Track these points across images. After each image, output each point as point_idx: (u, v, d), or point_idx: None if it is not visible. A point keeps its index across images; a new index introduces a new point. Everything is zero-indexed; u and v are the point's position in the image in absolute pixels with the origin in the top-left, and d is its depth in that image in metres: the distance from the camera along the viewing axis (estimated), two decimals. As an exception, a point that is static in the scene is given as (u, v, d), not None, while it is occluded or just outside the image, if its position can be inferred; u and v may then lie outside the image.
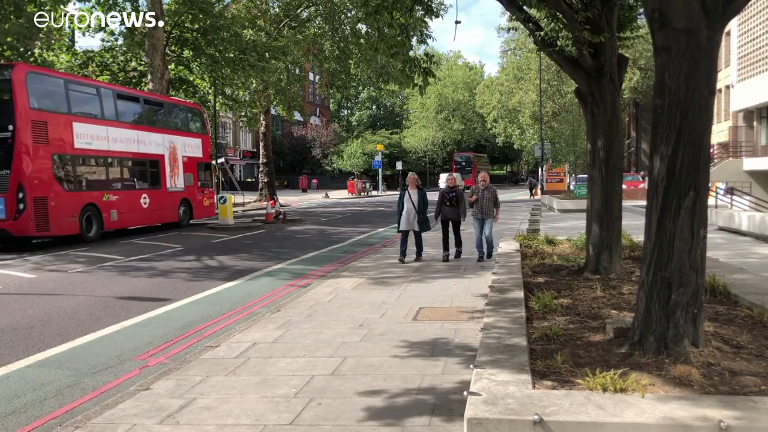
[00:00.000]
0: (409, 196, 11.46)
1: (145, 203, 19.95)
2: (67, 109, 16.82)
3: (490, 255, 11.26)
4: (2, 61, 17.99)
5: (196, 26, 27.76)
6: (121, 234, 19.22)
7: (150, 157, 20.47)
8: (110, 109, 18.74)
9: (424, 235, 11.94)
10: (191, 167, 22.75)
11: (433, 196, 12.88)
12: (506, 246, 11.00)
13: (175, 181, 21.69)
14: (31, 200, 15.17)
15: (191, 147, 22.88)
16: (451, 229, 11.75)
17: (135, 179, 19.96)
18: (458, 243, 11.85)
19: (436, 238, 15.99)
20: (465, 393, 3.50)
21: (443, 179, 64.52)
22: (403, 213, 11.41)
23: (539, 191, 43.99)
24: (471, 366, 4.07)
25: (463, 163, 63.92)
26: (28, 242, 16.50)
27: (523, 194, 46.21)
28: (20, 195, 15.05)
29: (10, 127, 15.04)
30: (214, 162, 29.52)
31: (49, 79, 16.85)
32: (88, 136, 17.36)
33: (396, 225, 11.95)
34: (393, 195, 49.48)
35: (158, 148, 20.82)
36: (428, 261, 11.65)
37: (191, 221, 22.67)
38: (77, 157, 17.09)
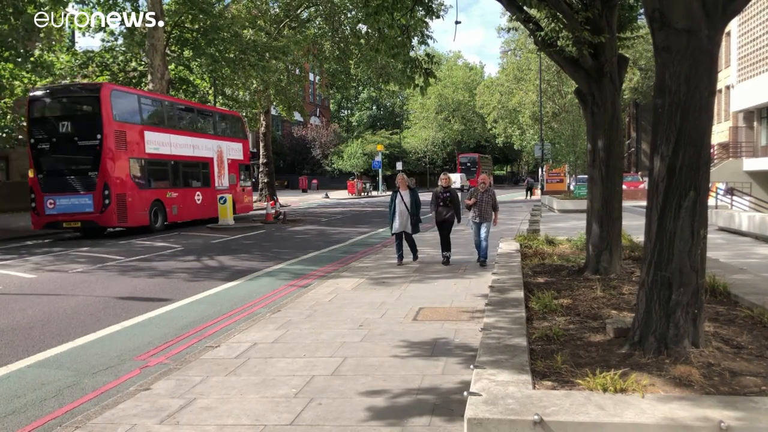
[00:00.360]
0: (401, 197, 11.14)
1: (198, 200, 22.89)
2: (140, 120, 20.01)
3: (485, 258, 10.92)
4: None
5: (196, 26, 27.78)
6: (179, 226, 21.83)
7: (202, 160, 23.34)
8: (172, 119, 22.24)
9: (425, 234, 11.96)
10: (234, 168, 25.60)
11: (427, 197, 12.81)
12: (506, 246, 11.01)
13: (222, 180, 24.51)
14: (115, 197, 18.29)
15: (234, 150, 25.76)
16: (446, 230, 11.37)
17: (190, 179, 22.82)
18: (447, 247, 11.31)
19: (435, 238, 15.98)
20: (465, 393, 3.50)
21: (455, 179, 64.66)
22: (396, 215, 11.10)
23: (538, 191, 43.99)
24: (471, 366, 4.07)
25: (468, 164, 65.50)
26: (104, 231, 19.68)
27: (523, 194, 46.17)
28: (106, 192, 18.13)
29: (98, 136, 18.12)
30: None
31: (126, 95, 20.02)
32: (156, 143, 20.44)
33: (389, 228, 11.62)
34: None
35: (208, 152, 23.74)
36: (427, 262, 11.65)
37: (233, 216, 24.12)
38: (148, 160, 20.07)
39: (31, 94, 19.29)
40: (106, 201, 18.16)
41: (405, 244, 11.41)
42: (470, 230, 11.64)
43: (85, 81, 26.34)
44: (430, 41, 39.22)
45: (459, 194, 11.41)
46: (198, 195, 22.88)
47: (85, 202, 18.21)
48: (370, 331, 6.57)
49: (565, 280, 7.50)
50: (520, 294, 6.38)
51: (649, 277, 4.43)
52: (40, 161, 18.59)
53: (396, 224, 11.17)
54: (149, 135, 20.17)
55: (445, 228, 11.19)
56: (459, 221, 11.35)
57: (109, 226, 18.95)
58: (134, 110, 19.88)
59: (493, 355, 4.21)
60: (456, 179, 63.42)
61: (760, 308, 5.32)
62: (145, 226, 19.64)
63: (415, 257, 11.56)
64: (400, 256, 11.32)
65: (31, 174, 18.67)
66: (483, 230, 10.91)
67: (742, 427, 3.02)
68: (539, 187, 44.53)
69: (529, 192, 44.53)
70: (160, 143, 20.74)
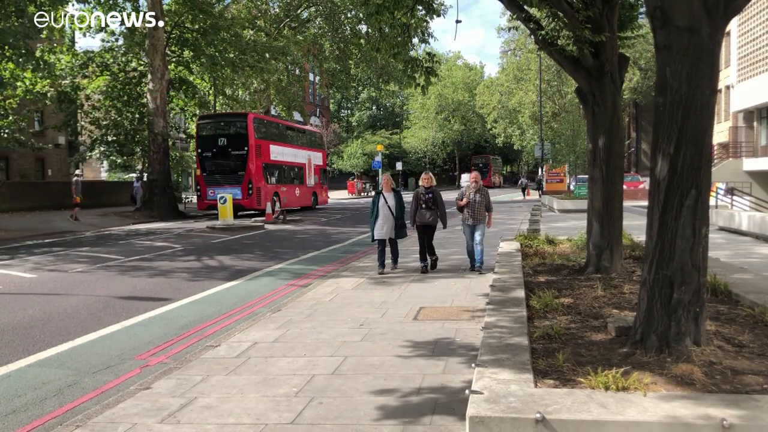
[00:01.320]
0: (385, 200, 10.23)
1: (297, 193, 31.31)
2: (267, 137, 28.24)
3: (481, 263, 10.10)
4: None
5: (196, 26, 27.78)
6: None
7: (299, 165, 31.71)
8: (283, 135, 30.75)
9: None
10: (317, 171, 34.24)
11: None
12: (507, 246, 10.99)
13: (310, 180, 33.12)
14: (255, 189, 26.45)
15: (317, 158, 34.49)
16: (427, 236, 10.29)
17: (293, 178, 31.01)
18: (431, 252, 10.40)
19: (436, 237, 16.08)
20: (467, 392, 3.50)
21: (464, 180, 65.27)
22: (379, 220, 10.18)
23: (533, 192, 43.95)
24: (473, 365, 4.06)
25: (481, 165, 68.59)
26: (241, 210, 26.54)
27: (531, 195, 46.17)
28: (249, 186, 26.39)
29: (246, 148, 26.46)
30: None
31: (261, 120, 28.89)
32: (275, 152, 28.59)
33: (370, 234, 10.56)
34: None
35: (303, 159, 32.20)
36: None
37: (316, 206, 33.84)
38: (271, 164, 28.03)
39: (199, 118, 28.19)
40: (250, 191, 26.33)
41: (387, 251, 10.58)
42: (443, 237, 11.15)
43: (85, 80, 28.95)
44: (431, 39, 39.31)
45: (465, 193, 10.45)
46: (297, 190, 31.35)
47: (235, 192, 25.48)
48: (370, 330, 6.56)
49: (566, 280, 7.49)
50: (521, 293, 6.37)
51: (651, 275, 4.43)
52: (204, 164, 26.88)
53: (379, 230, 10.24)
54: (272, 147, 28.37)
55: (427, 233, 10.20)
56: (445, 226, 10.40)
57: (251, 208, 26.62)
58: (264, 130, 28.27)
59: (494, 354, 4.20)
60: (466, 180, 64.21)
61: (761, 307, 5.31)
62: (261, 211, 26.63)
63: (396, 264, 10.69)
64: (382, 263, 10.36)
65: (198, 172, 27.51)
66: (477, 233, 10.05)
67: (745, 425, 3.02)
68: (534, 187, 44.60)
69: (523, 192, 44.59)
70: (278, 153, 28.87)
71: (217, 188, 25.62)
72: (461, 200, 10.11)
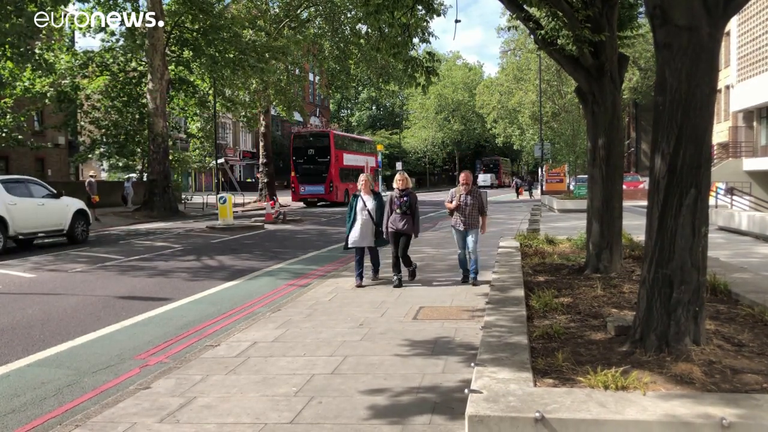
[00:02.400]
0: (364, 203, 9.16)
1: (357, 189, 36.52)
2: (342, 147, 37.62)
3: (476, 274, 9.08)
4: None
5: (196, 26, 27.77)
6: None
7: (361, 168, 37.77)
8: (351, 145, 40.52)
9: (424, 234, 11.33)
10: (372, 171, 41.09)
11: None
12: (507, 245, 10.98)
13: (369, 178, 38.18)
14: (335, 186, 35.36)
15: (371, 161, 43.38)
16: (401, 245, 9.12)
17: (355, 179, 32.32)
18: (408, 262, 9.25)
19: (436, 237, 16.03)
20: (466, 391, 3.50)
21: (481, 180, 65.69)
22: (356, 225, 9.14)
23: (525, 193, 43.84)
24: (472, 364, 4.06)
25: (491, 165, 72.56)
26: (322, 202, 35.96)
27: (523, 195, 46.19)
28: (330, 184, 35.04)
29: (328, 157, 35.41)
30: (219, 162, 40.64)
31: (338, 135, 38.90)
32: (346, 159, 37.55)
33: (345, 242, 9.38)
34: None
35: (362, 163, 40.03)
36: (427, 262, 11.60)
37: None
38: (344, 168, 36.71)
39: (294, 134, 38.80)
40: (330, 188, 35.13)
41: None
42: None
43: (84, 80, 29.09)
44: (431, 39, 39.50)
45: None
46: (347, 188, 38.63)
47: (319, 189, 35.25)
48: (370, 330, 6.56)
49: (565, 279, 7.50)
50: (520, 292, 6.37)
51: (650, 274, 4.43)
52: (297, 168, 36.02)
53: (354, 237, 9.13)
54: (345, 155, 37.53)
55: (401, 241, 9.07)
56: (416, 234, 9.31)
57: (330, 201, 35.23)
58: (340, 143, 37.71)
59: (494, 353, 4.20)
60: (486, 179, 65.78)
61: (760, 306, 5.31)
62: (341, 202, 34.92)
63: (377, 274, 9.63)
64: (360, 275, 9.21)
65: (293, 174, 36.47)
66: (470, 240, 8.93)
67: (744, 424, 3.02)
68: (527, 188, 44.53)
69: (516, 192, 44.63)
70: (348, 159, 37.89)
71: (307, 186, 35.81)
72: (450, 202, 9.06)
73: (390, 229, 9.05)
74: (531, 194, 44.74)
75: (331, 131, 38.95)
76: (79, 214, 17.05)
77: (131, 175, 35.97)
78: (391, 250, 9.33)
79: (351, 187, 36.38)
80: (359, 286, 9.06)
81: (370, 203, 9.17)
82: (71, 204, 16.85)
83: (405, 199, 9.01)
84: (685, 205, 4.29)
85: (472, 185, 9.03)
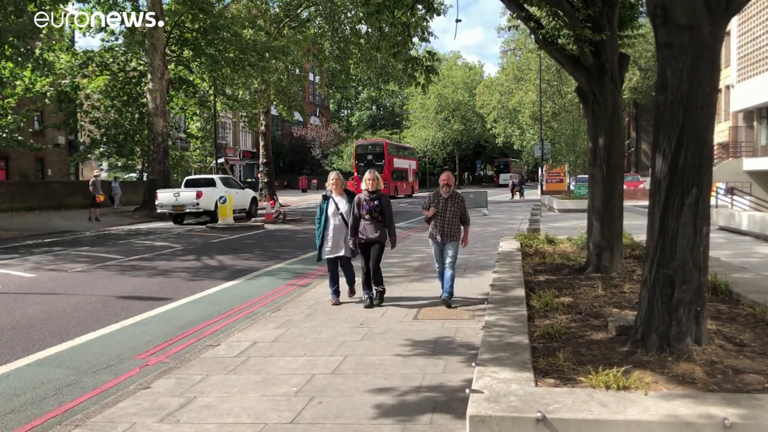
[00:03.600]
0: (336, 206, 7.81)
1: (404, 187, 48.83)
2: (392, 153, 47.28)
3: (450, 294, 7.62)
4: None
5: (196, 26, 27.76)
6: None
7: (405, 170, 49.56)
8: (400, 151, 50.61)
9: (423, 233, 10.96)
10: (413, 173, 53.12)
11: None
12: (507, 245, 10.97)
13: (410, 178, 51.44)
14: (388, 183, 41.26)
15: (413, 164, 53.68)
16: (373, 256, 7.69)
17: (401, 179, 48.49)
18: (379, 280, 7.81)
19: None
20: (467, 391, 3.48)
21: (504, 179, 68.17)
22: (329, 232, 7.79)
23: (519, 192, 43.36)
24: (473, 364, 4.05)
25: (501, 166, 75.71)
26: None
27: (524, 194, 46.10)
28: (384, 181, 33.43)
29: (383, 161, 43.89)
30: (219, 162, 40.78)
31: (390, 144, 48.50)
32: (397, 163, 46.70)
33: (317, 252, 7.99)
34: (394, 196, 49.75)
35: (406, 165, 50.39)
36: (427, 262, 11.55)
37: (412, 194, 50.14)
38: (395, 169, 45.04)
39: (357, 144, 49.53)
40: (384, 185, 36.02)
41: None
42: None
43: (84, 80, 29.30)
44: (431, 38, 39.63)
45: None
46: (404, 185, 49.19)
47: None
48: (370, 329, 6.55)
49: (566, 279, 7.48)
50: (521, 292, 6.36)
51: (652, 274, 4.41)
52: (359, 169, 42.61)
53: (329, 246, 7.80)
54: (395, 160, 47.18)
55: (373, 253, 7.66)
56: (393, 245, 7.98)
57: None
58: (390, 149, 46.97)
59: (494, 353, 4.19)
60: (506, 178, 67.09)
61: (761, 306, 5.30)
62: (392, 195, 38.85)
63: (353, 288, 8.23)
64: (336, 291, 7.96)
65: (355, 174, 41.76)
66: (448, 253, 7.60)
67: (746, 425, 3.01)
68: (518, 188, 44.15)
69: (512, 192, 44.10)
70: (396, 162, 47.40)
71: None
72: (427, 209, 7.69)
73: (360, 239, 7.64)
74: (521, 195, 44.04)
75: (385, 142, 48.74)
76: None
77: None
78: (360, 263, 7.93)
79: (399, 185, 47.79)
80: (336, 303, 7.84)
81: (343, 205, 7.81)
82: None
83: (376, 203, 7.57)
84: (686, 204, 4.28)
85: (454, 188, 7.72)
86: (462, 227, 7.68)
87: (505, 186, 58.83)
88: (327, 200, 7.90)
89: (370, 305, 7.65)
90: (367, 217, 7.56)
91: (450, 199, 7.57)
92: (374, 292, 7.79)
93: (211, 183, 23.14)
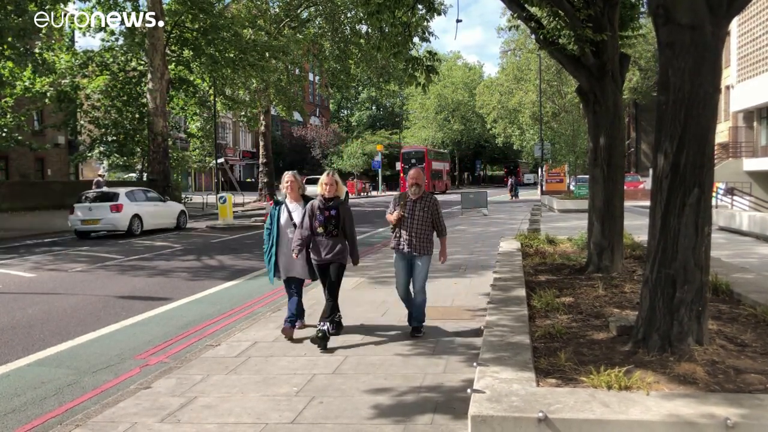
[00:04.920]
0: (289, 215, 6.30)
1: (440, 185, 58.53)
2: (431, 157, 58.27)
3: (420, 323, 6.27)
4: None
5: (196, 26, 27.74)
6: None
7: (441, 171, 61.77)
8: (436, 156, 61.70)
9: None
10: (447, 173, 64.45)
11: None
12: (507, 245, 10.96)
13: (444, 178, 62.24)
14: (427, 181, 45.25)
15: (446, 166, 65.27)
16: (330, 279, 6.07)
17: (438, 178, 59.03)
18: (334, 307, 6.07)
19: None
20: (469, 390, 3.48)
21: (526, 180, 77.48)
22: (282, 246, 6.26)
23: (513, 194, 42.78)
24: (474, 364, 4.04)
25: (512, 167, 77.84)
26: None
27: (524, 194, 46.09)
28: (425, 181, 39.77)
29: (423, 164, 51.92)
30: (219, 162, 38.72)
31: (429, 150, 60.41)
32: (434, 165, 58.96)
33: (269, 272, 6.46)
34: (393, 195, 49.89)
35: (441, 167, 61.89)
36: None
37: (445, 191, 57.63)
38: (432, 170, 56.82)
39: (402, 150, 58.28)
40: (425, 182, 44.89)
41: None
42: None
43: (84, 80, 29.17)
44: (432, 38, 39.49)
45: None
46: (440, 183, 58.65)
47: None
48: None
49: (566, 279, 7.48)
50: (522, 292, 6.35)
51: (653, 274, 4.41)
52: (405, 171, 46.10)
53: (284, 263, 6.28)
54: (433, 163, 57.10)
55: (330, 274, 6.02)
56: (355, 261, 6.33)
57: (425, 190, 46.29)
58: (431, 154, 57.76)
59: (496, 353, 4.19)
60: (530, 177, 68.23)
61: (762, 306, 5.30)
62: (431, 192, 53.16)
63: (333, 325, 6.07)
64: (292, 319, 6.28)
65: (402, 175, 49.10)
66: (417, 270, 6.13)
67: (748, 424, 3.00)
68: (516, 191, 43.72)
69: (510, 192, 43.66)
70: (434, 164, 57.26)
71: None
72: (391, 214, 6.27)
73: (313, 260, 6.06)
74: (515, 196, 43.69)
75: (425, 148, 59.36)
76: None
77: (100, 174, 34.96)
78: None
79: (436, 183, 56.83)
80: (291, 340, 6.14)
81: (298, 214, 6.20)
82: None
83: (332, 213, 5.90)
84: (688, 204, 4.27)
85: (424, 188, 6.32)
86: (438, 237, 6.28)
87: (533, 185, 63.51)
88: (279, 207, 6.42)
89: (323, 344, 5.76)
90: (320, 230, 5.90)
91: (419, 202, 6.15)
92: (327, 325, 5.86)
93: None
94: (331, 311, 6.02)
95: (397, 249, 6.26)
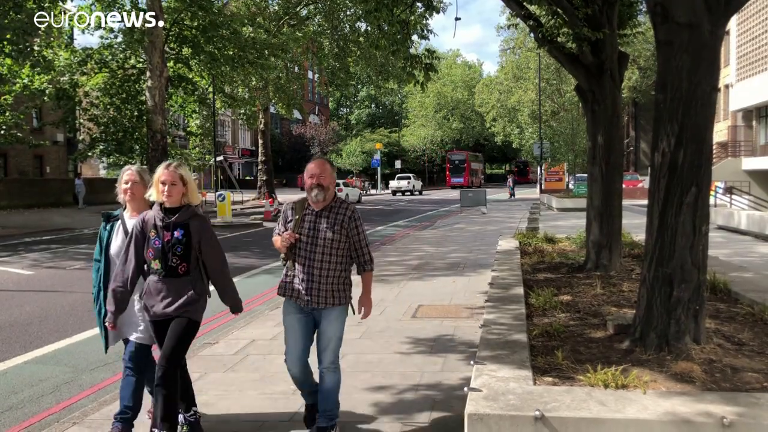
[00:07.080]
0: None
1: (475, 182, 68.11)
2: (471, 160, 69.64)
3: (330, 421, 3.83)
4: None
5: (196, 24, 27.69)
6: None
7: (477, 170, 71.90)
8: (474, 158, 72.64)
9: (422, 233, 10.04)
10: (482, 172, 75.72)
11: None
12: (506, 244, 10.96)
13: (478, 176, 72.16)
14: (469, 180, 66.53)
15: (481, 166, 75.70)
16: (169, 344, 3.68)
17: (476, 176, 70.94)
18: (189, 397, 3.93)
19: (434, 236, 15.89)
20: (465, 389, 3.48)
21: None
22: (110, 292, 3.73)
23: (511, 192, 42.52)
24: (471, 362, 4.04)
25: (521, 166, 79.59)
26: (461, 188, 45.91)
27: (521, 194, 46.08)
28: (466, 177, 66.67)
29: (464, 165, 68.28)
30: (218, 160, 37.82)
31: (469, 153, 70.60)
32: (473, 165, 70.54)
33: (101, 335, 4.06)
34: (391, 194, 49.47)
35: (477, 166, 72.15)
36: (426, 260, 11.52)
37: (478, 187, 57.62)
38: (471, 170, 70.34)
39: (448, 152, 70.44)
40: (466, 179, 64.86)
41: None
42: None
43: (83, 77, 28.89)
44: (431, 36, 39.29)
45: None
46: (475, 179, 68.71)
47: (460, 180, 64.34)
48: (368, 328, 6.54)
49: (565, 277, 7.48)
50: (520, 291, 6.35)
51: (651, 273, 4.41)
52: (450, 171, 67.56)
53: (122, 317, 3.81)
54: (472, 163, 68.88)
55: (169, 336, 3.71)
56: (236, 309, 4.23)
57: (465, 185, 58.66)
58: (471, 158, 69.46)
59: (493, 351, 4.18)
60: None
61: (760, 305, 5.30)
62: (468, 186, 53.50)
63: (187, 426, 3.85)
64: (126, 419, 3.78)
65: (448, 174, 67.58)
66: (323, 333, 3.98)
67: (745, 423, 3.00)
68: (512, 189, 43.64)
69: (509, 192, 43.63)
70: (473, 165, 69.46)
71: (454, 178, 65.18)
72: (280, 234, 4.18)
73: (149, 314, 3.75)
74: (512, 194, 43.75)
75: (466, 153, 68.92)
76: None
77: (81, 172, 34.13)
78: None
79: (473, 180, 66.25)
80: None
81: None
82: None
83: (177, 234, 3.73)
84: (685, 203, 4.27)
85: (335, 195, 4.02)
86: (358, 275, 3.95)
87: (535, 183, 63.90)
88: (112, 225, 4.05)
89: None
90: (155, 266, 3.69)
91: (326, 215, 3.88)
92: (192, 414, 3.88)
93: None
94: (171, 405, 3.57)
95: (288, 294, 3.90)
